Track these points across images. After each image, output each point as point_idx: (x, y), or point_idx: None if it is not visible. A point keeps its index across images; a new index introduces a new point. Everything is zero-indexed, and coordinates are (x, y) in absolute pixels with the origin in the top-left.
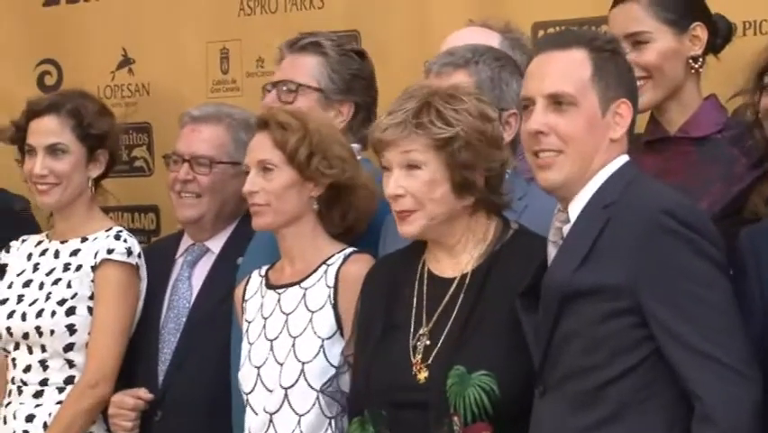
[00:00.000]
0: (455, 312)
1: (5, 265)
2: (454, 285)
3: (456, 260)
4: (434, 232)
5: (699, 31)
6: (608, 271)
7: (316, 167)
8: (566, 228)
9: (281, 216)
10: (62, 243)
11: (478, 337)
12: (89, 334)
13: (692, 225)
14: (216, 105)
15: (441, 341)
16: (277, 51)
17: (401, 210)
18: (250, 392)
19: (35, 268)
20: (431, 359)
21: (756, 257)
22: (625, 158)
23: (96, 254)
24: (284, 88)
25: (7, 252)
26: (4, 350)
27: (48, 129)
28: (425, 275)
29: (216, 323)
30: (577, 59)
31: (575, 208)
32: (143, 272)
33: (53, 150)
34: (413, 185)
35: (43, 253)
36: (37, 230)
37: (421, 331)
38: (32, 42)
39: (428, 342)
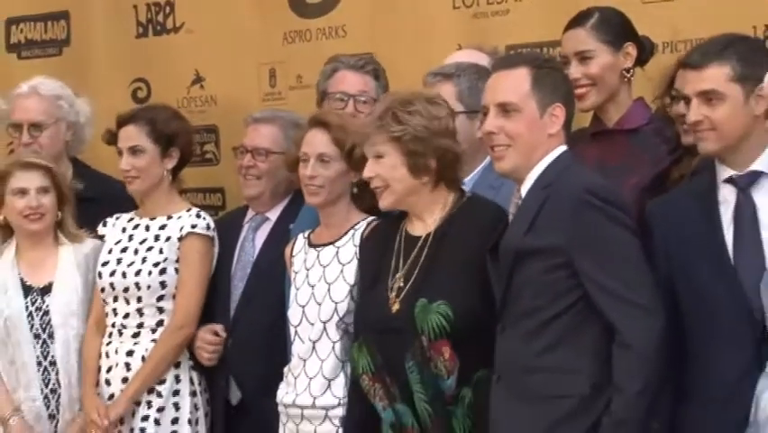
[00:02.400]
0: (421, 261)
1: (103, 236)
2: (421, 241)
3: (424, 223)
4: (403, 203)
5: (630, 49)
6: (547, 236)
7: (359, 160)
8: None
9: (331, 196)
10: (151, 219)
11: (436, 277)
12: (176, 288)
13: (609, 200)
14: (272, 110)
15: (410, 282)
16: (325, 68)
17: (374, 188)
18: (297, 325)
19: (130, 238)
20: (402, 295)
21: (661, 222)
22: (562, 148)
23: (181, 229)
24: (361, 99)
25: (104, 225)
26: (104, 301)
27: (128, 135)
28: (403, 235)
29: (273, 273)
30: (520, 75)
31: (525, 188)
32: (216, 242)
33: (133, 150)
34: (379, 170)
35: (135, 227)
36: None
37: (397, 276)
38: (127, 66)
39: (401, 284)
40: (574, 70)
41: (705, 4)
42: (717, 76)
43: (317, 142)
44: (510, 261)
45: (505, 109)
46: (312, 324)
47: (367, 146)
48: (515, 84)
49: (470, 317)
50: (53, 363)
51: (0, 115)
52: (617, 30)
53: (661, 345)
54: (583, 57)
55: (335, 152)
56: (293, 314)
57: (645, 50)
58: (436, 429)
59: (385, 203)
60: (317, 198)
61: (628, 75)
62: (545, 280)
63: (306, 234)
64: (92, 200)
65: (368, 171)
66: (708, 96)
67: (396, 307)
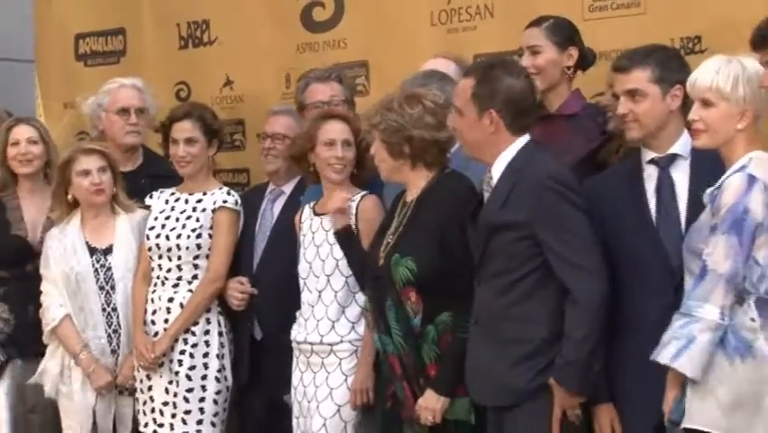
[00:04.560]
0: (403, 223)
1: (149, 206)
2: (406, 207)
3: (411, 193)
4: (392, 178)
5: (573, 52)
6: (516, 213)
7: (364, 145)
8: (492, 182)
9: (348, 174)
10: (190, 194)
11: (409, 237)
12: (209, 249)
13: (564, 184)
14: (287, 105)
15: (392, 241)
16: (299, 84)
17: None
18: (306, 278)
19: (172, 209)
20: (385, 251)
21: (596, 196)
22: (525, 138)
23: (214, 203)
24: (334, 103)
25: (150, 198)
26: (150, 258)
27: (184, 128)
28: (401, 202)
29: (287, 236)
30: (467, 84)
31: (496, 170)
32: (242, 214)
33: (189, 141)
34: (374, 152)
35: (177, 200)
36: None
37: (388, 233)
38: (171, 71)
39: (389, 241)
40: (525, 61)
41: (633, 21)
42: (640, 77)
43: (340, 129)
44: (486, 231)
45: (458, 112)
46: (317, 276)
47: (364, 134)
48: (462, 92)
49: (430, 270)
50: (114, 309)
51: (79, 113)
52: (565, 34)
53: (603, 302)
54: (533, 50)
55: (352, 139)
56: (302, 268)
57: (587, 58)
58: (408, 357)
59: (382, 177)
60: (342, 175)
61: (569, 72)
62: (514, 248)
63: (311, 205)
64: (151, 176)
65: (372, 150)
66: (633, 94)
67: (382, 260)
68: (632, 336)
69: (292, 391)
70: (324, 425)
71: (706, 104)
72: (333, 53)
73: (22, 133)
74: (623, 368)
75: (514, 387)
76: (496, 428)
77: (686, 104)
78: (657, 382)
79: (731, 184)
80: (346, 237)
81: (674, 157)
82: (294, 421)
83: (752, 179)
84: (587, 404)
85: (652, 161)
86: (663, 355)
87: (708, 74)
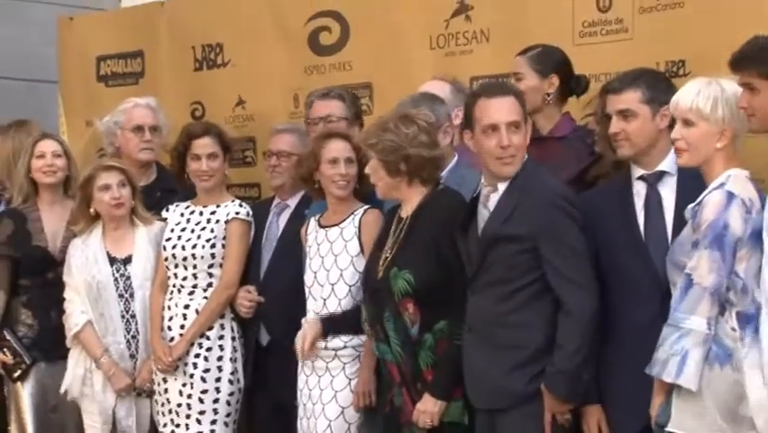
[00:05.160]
0: (399, 237)
1: (166, 219)
2: (402, 222)
3: (407, 208)
4: (388, 195)
5: (554, 79)
6: (519, 227)
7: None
8: (493, 195)
9: (352, 189)
10: (204, 207)
11: (406, 251)
12: (223, 259)
13: (569, 201)
14: (292, 123)
15: (390, 256)
16: (306, 101)
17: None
18: (311, 286)
19: (187, 221)
20: (384, 265)
21: (588, 211)
22: (524, 157)
23: (227, 214)
24: (329, 120)
25: (167, 210)
26: (167, 267)
27: (206, 144)
28: (397, 218)
29: (292, 247)
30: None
31: (501, 186)
32: (253, 225)
33: (210, 156)
34: (370, 171)
35: (192, 212)
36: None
37: (386, 248)
38: (187, 92)
39: (387, 256)
40: None
41: (621, 46)
42: (631, 98)
43: (342, 148)
44: (487, 242)
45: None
46: (322, 285)
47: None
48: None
49: (427, 282)
50: (133, 316)
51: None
52: (549, 63)
53: (594, 315)
54: (517, 77)
55: (354, 156)
56: (307, 278)
57: (580, 84)
58: (406, 364)
59: (378, 194)
60: (345, 190)
61: (549, 98)
62: (515, 260)
63: (316, 218)
64: (165, 190)
65: (367, 169)
66: (625, 114)
67: (381, 274)
68: (622, 342)
69: (298, 393)
70: (329, 426)
71: (687, 123)
72: (338, 75)
73: (48, 146)
74: (612, 372)
75: (509, 390)
76: (487, 429)
77: (673, 124)
78: (644, 386)
79: (711, 201)
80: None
81: (662, 174)
82: (299, 423)
83: (730, 196)
84: (576, 406)
85: (641, 178)
86: (668, 374)
87: (689, 95)
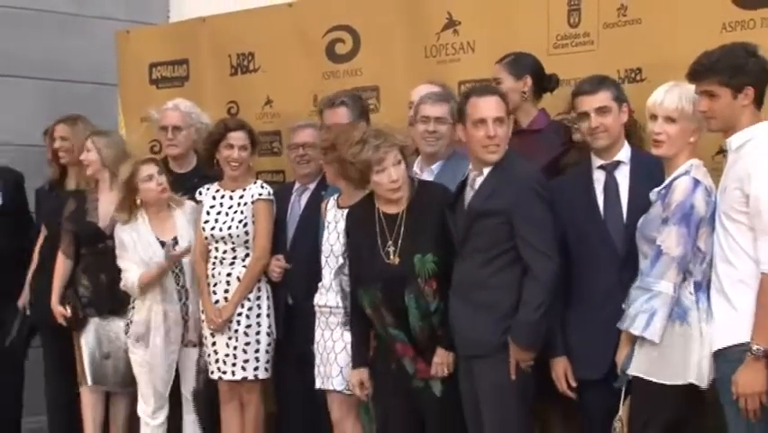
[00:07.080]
0: (403, 229)
1: (200, 201)
2: (398, 217)
3: (396, 204)
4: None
5: (527, 80)
6: (498, 203)
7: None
8: (479, 178)
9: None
10: (232, 191)
11: (421, 238)
12: (254, 234)
13: (541, 185)
14: (311, 120)
15: (400, 244)
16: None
17: None
18: (327, 256)
19: (220, 204)
20: (398, 253)
21: (556, 195)
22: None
23: (252, 196)
24: None
25: (200, 194)
26: (208, 243)
27: (240, 137)
28: (381, 215)
29: (312, 223)
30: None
31: (486, 170)
32: (274, 203)
33: (242, 147)
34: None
35: (222, 196)
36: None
37: (389, 243)
38: (224, 93)
39: (393, 248)
40: None
41: (587, 55)
42: (606, 97)
43: None
44: (472, 216)
45: None
46: (336, 256)
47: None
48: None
49: (448, 260)
50: (183, 287)
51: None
52: (522, 66)
53: (554, 279)
54: (497, 81)
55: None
56: (324, 249)
57: (551, 82)
58: (423, 332)
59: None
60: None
61: (525, 96)
62: (495, 231)
63: (335, 198)
64: (202, 177)
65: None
66: (603, 110)
67: (396, 260)
68: (584, 305)
69: (315, 345)
70: (341, 372)
71: (670, 120)
72: (351, 80)
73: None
74: (576, 329)
75: (486, 341)
76: (466, 373)
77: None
78: (604, 340)
79: (680, 185)
80: None
81: (618, 163)
82: (316, 369)
83: (696, 182)
84: (546, 358)
85: (600, 167)
86: (635, 327)
87: (674, 96)
